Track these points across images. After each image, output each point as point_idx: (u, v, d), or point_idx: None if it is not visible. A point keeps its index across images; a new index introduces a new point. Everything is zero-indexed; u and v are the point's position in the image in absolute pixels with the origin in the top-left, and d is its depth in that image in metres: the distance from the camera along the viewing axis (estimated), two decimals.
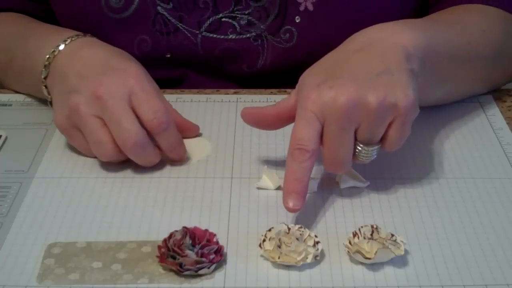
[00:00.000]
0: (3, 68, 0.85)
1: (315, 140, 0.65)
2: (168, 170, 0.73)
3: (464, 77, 0.79)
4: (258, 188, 0.70)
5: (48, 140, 0.77)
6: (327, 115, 0.64)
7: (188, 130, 0.77)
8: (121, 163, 0.73)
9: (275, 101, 0.84)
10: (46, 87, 0.76)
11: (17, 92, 0.86)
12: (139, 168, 0.73)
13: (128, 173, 0.73)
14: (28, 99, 0.84)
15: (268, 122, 0.71)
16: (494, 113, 0.82)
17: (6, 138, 0.78)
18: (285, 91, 0.87)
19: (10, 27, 0.86)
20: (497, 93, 0.86)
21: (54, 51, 0.75)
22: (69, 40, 0.76)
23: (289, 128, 0.79)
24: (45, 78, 0.76)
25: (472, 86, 0.82)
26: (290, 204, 0.65)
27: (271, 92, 0.87)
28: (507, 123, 0.80)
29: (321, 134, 0.65)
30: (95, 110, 0.70)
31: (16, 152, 0.76)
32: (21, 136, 0.78)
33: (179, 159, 0.74)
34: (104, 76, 0.71)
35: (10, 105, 0.84)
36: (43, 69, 0.76)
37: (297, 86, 0.69)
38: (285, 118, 0.70)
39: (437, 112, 0.81)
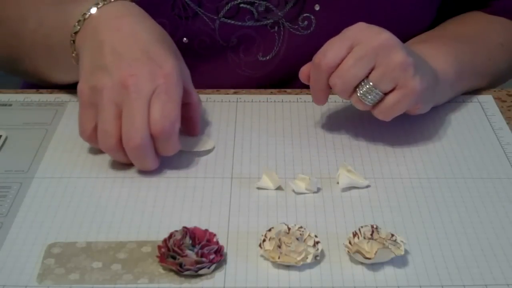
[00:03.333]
0: (30, 36, 0.82)
1: (337, 56, 0.72)
2: (168, 170, 0.73)
3: (481, 85, 0.86)
4: (258, 188, 0.70)
5: (48, 140, 0.77)
6: (361, 40, 0.71)
7: (192, 130, 0.77)
8: (121, 163, 0.73)
9: (275, 101, 0.84)
10: (73, 42, 0.74)
11: (18, 93, 0.86)
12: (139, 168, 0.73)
13: (128, 173, 0.72)
14: (28, 99, 0.84)
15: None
16: (494, 113, 0.82)
17: (6, 138, 0.78)
18: (285, 91, 0.87)
19: None
20: (497, 93, 0.86)
21: (92, 7, 0.74)
22: (107, 1, 0.74)
23: (288, 127, 0.80)
24: (75, 33, 0.74)
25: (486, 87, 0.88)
26: (315, 101, 0.75)
27: (271, 92, 0.87)
28: (507, 123, 0.80)
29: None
30: (117, 98, 0.69)
31: (16, 152, 0.76)
32: (21, 136, 0.78)
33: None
34: (139, 65, 0.70)
35: (10, 105, 0.84)
36: (76, 24, 0.74)
37: None
38: None
39: (437, 112, 0.81)
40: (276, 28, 0.86)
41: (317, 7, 0.85)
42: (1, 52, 0.88)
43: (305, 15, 0.86)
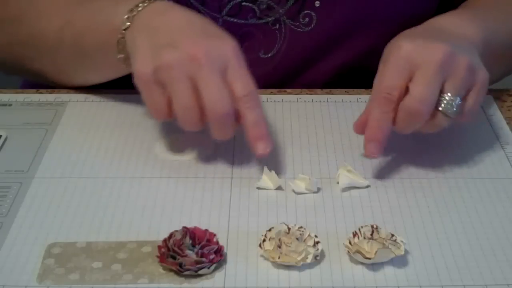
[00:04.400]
0: (54, 35, 0.80)
1: (403, 89, 0.68)
2: (168, 170, 0.73)
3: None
4: (258, 188, 0.70)
5: (48, 140, 0.77)
6: (421, 63, 0.68)
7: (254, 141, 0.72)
8: (121, 163, 0.73)
9: (274, 101, 0.84)
10: (123, 38, 0.72)
11: (18, 93, 0.86)
12: (139, 168, 0.73)
13: (128, 173, 0.73)
14: (28, 99, 0.84)
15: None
16: (494, 113, 0.82)
17: (6, 138, 0.78)
18: (285, 91, 0.87)
19: None
20: (497, 93, 0.86)
21: (138, 6, 0.72)
22: (152, 0, 0.73)
23: (288, 127, 0.80)
24: (125, 29, 0.72)
25: None
26: (369, 151, 0.69)
27: (271, 92, 0.87)
28: (507, 123, 0.80)
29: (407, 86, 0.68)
30: (190, 71, 0.67)
31: (16, 152, 0.76)
32: (21, 136, 0.78)
33: (262, 137, 0.70)
34: (204, 38, 0.69)
35: (10, 105, 0.83)
36: (125, 19, 0.72)
37: (384, 55, 0.72)
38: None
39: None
40: (277, 25, 0.87)
41: (317, 4, 0.85)
42: (13, 51, 0.86)
43: (305, 12, 0.86)
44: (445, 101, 0.69)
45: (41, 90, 0.86)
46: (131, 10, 0.72)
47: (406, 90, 0.69)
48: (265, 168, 0.72)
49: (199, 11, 0.85)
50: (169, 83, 0.68)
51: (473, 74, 0.70)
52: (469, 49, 0.72)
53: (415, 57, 0.69)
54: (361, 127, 0.72)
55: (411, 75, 0.68)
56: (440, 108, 0.69)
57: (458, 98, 0.69)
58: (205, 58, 0.67)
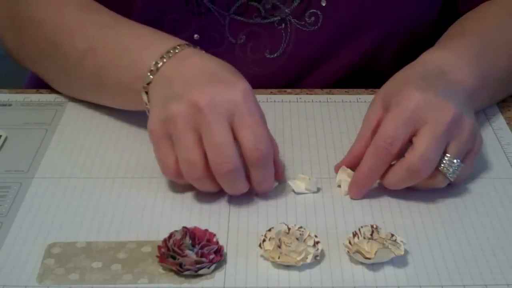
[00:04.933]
0: (79, 55, 0.77)
1: (405, 142, 0.66)
2: None
3: (505, 91, 0.83)
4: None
5: (48, 140, 0.77)
6: (430, 120, 0.66)
7: (276, 173, 0.69)
8: (121, 163, 0.73)
9: (274, 101, 0.84)
10: (147, 93, 0.70)
11: (18, 93, 0.86)
12: (139, 168, 0.73)
13: (128, 173, 0.73)
14: (28, 99, 0.84)
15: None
16: (494, 113, 0.82)
17: (6, 138, 0.78)
18: (285, 91, 0.87)
19: (85, 10, 0.79)
20: None
21: (163, 57, 0.70)
22: (179, 49, 0.70)
23: (288, 127, 0.80)
24: (148, 84, 0.70)
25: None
26: (354, 195, 0.68)
27: (271, 92, 0.87)
28: (507, 123, 0.80)
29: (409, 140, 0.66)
30: (193, 122, 0.65)
31: (16, 152, 0.76)
32: (21, 136, 0.78)
33: (263, 192, 0.68)
34: (211, 86, 0.66)
35: (10, 105, 0.84)
36: (149, 74, 0.69)
37: (379, 98, 0.70)
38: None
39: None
40: (283, 25, 0.86)
41: (323, 3, 0.85)
42: (28, 53, 0.84)
43: (312, 11, 0.86)
44: (447, 163, 0.67)
45: (41, 90, 0.86)
46: (156, 63, 0.70)
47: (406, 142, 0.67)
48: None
49: (208, 9, 0.85)
50: (174, 136, 0.65)
51: (474, 138, 0.68)
52: (470, 107, 0.70)
53: (425, 112, 0.66)
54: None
55: (416, 129, 0.66)
56: (439, 168, 0.67)
57: (459, 160, 0.67)
58: (208, 107, 0.64)
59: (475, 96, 0.72)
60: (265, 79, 0.88)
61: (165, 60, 0.70)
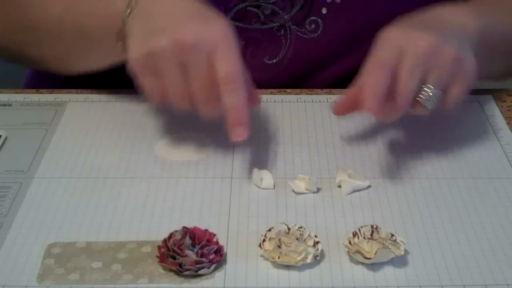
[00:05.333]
0: (56, 20, 0.80)
1: (394, 63, 0.68)
2: (168, 170, 0.73)
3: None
4: (256, 186, 0.70)
5: (48, 140, 0.77)
6: (407, 51, 0.68)
7: (252, 98, 0.72)
8: (121, 163, 0.73)
9: (274, 101, 0.84)
10: (123, 26, 0.72)
11: (18, 93, 0.86)
12: (139, 168, 0.73)
13: (128, 173, 0.72)
14: (28, 99, 0.84)
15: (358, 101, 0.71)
16: (494, 113, 0.82)
17: (6, 138, 0.78)
18: (285, 91, 0.87)
19: None
20: (497, 93, 0.86)
21: None
22: None
23: (288, 127, 0.80)
24: (127, 16, 0.72)
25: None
26: (369, 105, 0.68)
27: (271, 92, 0.87)
28: (507, 123, 0.80)
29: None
30: (178, 56, 0.68)
31: (16, 152, 0.76)
32: (21, 136, 0.78)
33: (239, 122, 0.69)
34: (194, 21, 0.69)
35: (10, 105, 0.83)
36: (126, 6, 0.72)
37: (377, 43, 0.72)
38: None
39: (437, 112, 0.81)
40: (282, 31, 0.86)
41: (324, 11, 0.85)
42: (13, 37, 0.86)
43: (312, 18, 0.86)
44: (426, 94, 0.69)
45: (41, 90, 0.86)
46: None
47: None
48: (256, 169, 0.71)
49: None
50: (160, 69, 0.68)
51: (459, 65, 0.70)
52: (461, 39, 0.72)
53: (402, 45, 0.69)
54: (342, 108, 0.73)
55: (401, 60, 0.69)
56: (420, 100, 0.69)
57: (438, 91, 0.69)
58: (193, 43, 0.67)
59: (481, 43, 0.74)
60: (264, 84, 0.88)
61: None
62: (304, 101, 0.84)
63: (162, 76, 0.69)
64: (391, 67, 0.69)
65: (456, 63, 0.70)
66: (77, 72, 0.84)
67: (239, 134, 0.68)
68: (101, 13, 0.76)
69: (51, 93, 0.86)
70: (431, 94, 0.69)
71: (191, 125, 0.79)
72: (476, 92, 0.86)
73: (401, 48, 0.69)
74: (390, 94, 0.69)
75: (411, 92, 0.69)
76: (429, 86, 0.69)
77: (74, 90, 0.86)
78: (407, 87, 0.68)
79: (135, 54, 0.69)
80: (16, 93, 0.86)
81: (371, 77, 0.69)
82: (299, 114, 0.82)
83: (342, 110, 0.74)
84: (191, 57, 0.68)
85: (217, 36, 0.68)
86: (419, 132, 0.78)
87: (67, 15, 0.79)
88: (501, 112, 0.82)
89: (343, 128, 0.79)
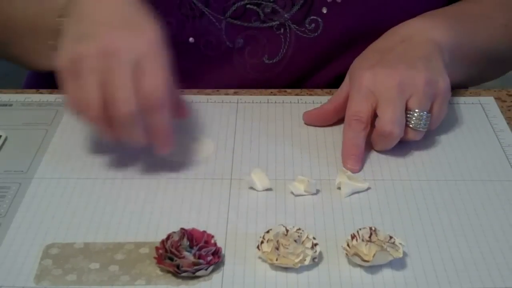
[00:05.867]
0: (18, 21, 0.81)
1: (370, 112, 0.73)
2: (166, 171, 0.73)
3: (485, 66, 0.87)
4: (250, 188, 0.70)
5: (48, 140, 0.77)
6: (382, 89, 0.73)
7: (181, 111, 0.74)
8: (120, 164, 0.73)
9: (275, 102, 0.84)
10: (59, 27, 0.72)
11: (18, 93, 0.86)
12: (138, 169, 0.73)
13: (127, 174, 0.72)
14: (29, 99, 0.84)
15: (328, 118, 0.79)
16: (495, 115, 0.82)
17: (6, 138, 0.77)
18: (285, 91, 0.87)
19: None
20: (497, 93, 0.85)
21: None
22: None
23: (288, 127, 0.79)
24: (61, 16, 0.72)
25: (493, 72, 0.91)
26: (349, 165, 0.73)
27: (271, 93, 0.86)
28: (507, 123, 0.80)
29: (374, 110, 0.74)
30: (100, 65, 0.67)
31: (16, 152, 0.76)
32: (21, 136, 0.78)
33: (162, 147, 0.70)
34: (124, 29, 0.69)
35: (10, 105, 0.83)
36: (62, 6, 0.72)
37: (348, 74, 0.78)
38: (342, 110, 0.77)
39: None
40: (282, 30, 0.86)
41: (324, 10, 0.85)
42: None
43: (312, 17, 0.85)
44: (414, 118, 0.73)
45: (41, 90, 0.86)
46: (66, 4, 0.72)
47: (375, 116, 0.74)
48: (255, 169, 0.71)
49: (202, 13, 0.85)
50: (80, 75, 0.67)
51: (434, 86, 0.74)
52: (429, 60, 0.76)
53: (376, 85, 0.73)
54: (312, 118, 0.79)
55: (376, 101, 0.73)
56: (410, 125, 0.74)
57: (425, 112, 0.74)
58: (115, 54, 0.67)
59: (453, 53, 0.79)
60: (263, 84, 0.88)
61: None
62: (305, 102, 0.84)
63: (81, 82, 0.67)
64: (368, 118, 0.73)
65: (430, 84, 0.74)
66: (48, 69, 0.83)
67: (162, 150, 0.70)
68: (48, 11, 0.75)
69: (51, 93, 0.86)
70: (418, 116, 0.73)
71: (191, 125, 0.79)
72: (477, 93, 0.86)
73: (375, 88, 0.73)
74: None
75: (401, 119, 0.73)
76: (414, 110, 0.73)
77: None
78: (396, 115, 0.72)
79: (61, 59, 0.69)
80: (17, 93, 0.86)
81: (349, 135, 0.74)
82: (299, 115, 0.82)
83: (312, 121, 0.80)
84: (114, 64, 0.66)
85: (144, 46, 0.68)
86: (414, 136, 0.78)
87: (25, 16, 0.80)
88: (502, 112, 0.82)
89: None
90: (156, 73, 0.67)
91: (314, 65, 0.88)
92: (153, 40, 0.68)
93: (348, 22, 0.85)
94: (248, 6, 0.85)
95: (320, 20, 0.85)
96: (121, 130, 0.68)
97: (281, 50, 0.87)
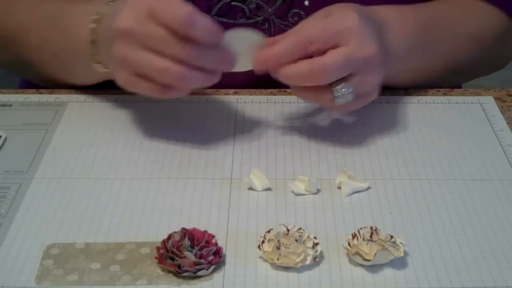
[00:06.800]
0: (36, 52, 0.84)
1: (321, 48, 0.71)
2: (167, 171, 0.73)
3: (445, 73, 0.86)
4: (249, 189, 0.70)
5: (48, 141, 0.77)
6: (353, 44, 0.71)
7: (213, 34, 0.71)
8: (120, 164, 0.73)
9: (275, 102, 0.84)
10: (100, 63, 0.75)
11: (18, 93, 0.86)
12: (138, 169, 0.73)
13: (127, 174, 0.72)
14: (28, 99, 0.84)
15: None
16: (495, 114, 0.82)
17: (6, 139, 0.77)
18: (285, 91, 0.87)
19: (34, 6, 0.85)
20: (497, 93, 0.85)
21: (95, 26, 0.74)
22: (103, 10, 0.75)
23: (288, 127, 0.80)
24: (94, 54, 0.75)
25: (456, 80, 0.90)
26: (256, 64, 0.73)
27: (271, 92, 0.86)
28: (507, 123, 0.80)
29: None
30: (135, 44, 0.69)
31: (16, 152, 0.76)
32: (21, 136, 0.78)
33: (225, 63, 0.71)
34: (121, 12, 0.70)
35: (10, 105, 0.83)
36: (91, 46, 0.75)
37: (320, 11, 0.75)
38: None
39: (437, 112, 0.81)
40: (266, 25, 0.87)
41: (306, 3, 0.85)
42: (10, 58, 0.89)
43: (294, 11, 0.86)
44: (340, 87, 0.72)
45: (41, 90, 0.86)
46: (94, 28, 0.75)
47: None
48: (254, 170, 0.71)
49: None
50: (138, 67, 0.70)
51: (375, 87, 0.74)
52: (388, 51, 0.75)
53: (352, 37, 0.71)
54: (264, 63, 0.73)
55: (336, 44, 0.71)
56: (332, 88, 0.72)
57: (352, 93, 0.72)
58: (132, 26, 0.69)
59: (409, 53, 0.79)
60: (251, 79, 0.87)
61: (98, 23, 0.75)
62: (305, 102, 0.84)
63: (143, 70, 0.70)
64: (317, 49, 0.71)
65: (376, 84, 0.73)
66: (72, 84, 0.85)
67: (226, 66, 0.71)
68: (71, 48, 0.79)
69: (51, 93, 0.86)
70: (346, 91, 0.72)
71: (191, 126, 0.79)
72: (477, 92, 0.86)
73: (348, 37, 0.71)
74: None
75: (334, 76, 0.71)
76: (347, 83, 0.72)
77: (74, 90, 0.86)
78: (335, 69, 0.70)
79: (118, 79, 0.72)
80: (16, 93, 0.86)
81: (284, 42, 0.71)
82: (299, 115, 0.82)
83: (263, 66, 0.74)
84: (142, 37, 0.69)
85: (145, 2, 0.69)
86: (419, 133, 0.78)
87: (46, 47, 0.82)
88: (501, 112, 0.82)
89: (343, 129, 0.79)
90: (167, 5, 0.68)
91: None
92: None
93: None
94: (233, 3, 0.85)
95: (302, 13, 0.86)
96: (205, 62, 0.69)
97: None
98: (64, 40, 0.80)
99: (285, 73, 0.72)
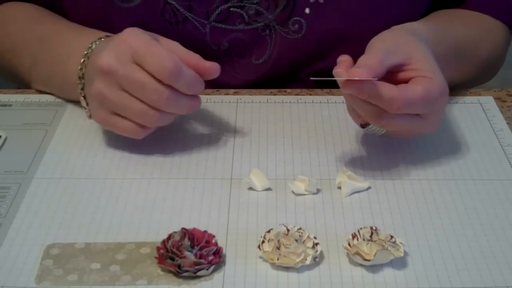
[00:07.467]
0: (27, 71, 0.85)
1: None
2: (167, 171, 0.73)
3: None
4: (249, 189, 0.70)
5: (48, 141, 0.77)
6: (437, 107, 0.70)
7: (204, 70, 0.73)
8: (120, 164, 0.73)
9: (275, 102, 0.84)
10: (84, 97, 0.76)
11: (18, 93, 0.86)
12: (138, 169, 0.73)
13: (127, 174, 0.72)
14: (28, 99, 0.84)
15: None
16: (495, 114, 0.82)
17: (6, 139, 0.77)
18: (285, 91, 0.87)
19: (29, 26, 0.86)
20: (497, 93, 0.86)
21: (84, 61, 0.75)
22: (94, 45, 0.76)
23: (288, 127, 0.79)
24: (82, 89, 0.75)
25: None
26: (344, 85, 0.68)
27: (271, 93, 0.86)
28: (507, 123, 0.80)
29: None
30: (115, 84, 0.70)
31: (16, 152, 0.76)
32: (21, 136, 0.78)
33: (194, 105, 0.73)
34: (105, 50, 0.71)
35: (10, 105, 0.83)
36: (78, 82, 0.75)
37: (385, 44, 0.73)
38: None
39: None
40: (267, 31, 0.86)
41: (307, 11, 0.85)
42: (5, 74, 0.92)
43: (295, 18, 0.85)
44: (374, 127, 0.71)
45: (41, 90, 0.86)
46: (81, 69, 0.75)
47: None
48: (254, 170, 0.71)
49: (186, 18, 0.85)
50: (114, 107, 0.71)
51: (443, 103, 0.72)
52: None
53: (435, 103, 0.70)
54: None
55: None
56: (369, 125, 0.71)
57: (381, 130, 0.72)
58: (113, 66, 0.70)
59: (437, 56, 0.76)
60: (254, 84, 0.87)
61: (86, 63, 0.75)
62: (305, 102, 0.84)
63: (119, 111, 0.72)
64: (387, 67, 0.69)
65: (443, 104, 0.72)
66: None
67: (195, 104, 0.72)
68: (61, 77, 0.80)
69: (51, 93, 0.86)
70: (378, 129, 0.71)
71: (191, 126, 0.79)
72: (477, 92, 0.86)
73: (432, 105, 0.69)
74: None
75: (414, 110, 0.69)
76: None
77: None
78: (419, 104, 0.68)
79: (95, 116, 0.74)
80: (16, 93, 0.86)
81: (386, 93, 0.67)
82: (299, 115, 0.82)
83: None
84: (121, 78, 0.70)
85: (127, 44, 0.70)
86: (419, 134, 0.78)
87: (35, 69, 0.84)
88: (501, 112, 0.82)
89: (343, 129, 0.79)
90: (151, 49, 0.70)
91: (299, 65, 0.88)
92: (130, 32, 0.72)
93: (331, 23, 0.85)
94: (232, 9, 0.85)
95: (303, 21, 0.85)
96: (176, 109, 0.71)
97: (267, 51, 0.87)
98: (55, 67, 0.81)
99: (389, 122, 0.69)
